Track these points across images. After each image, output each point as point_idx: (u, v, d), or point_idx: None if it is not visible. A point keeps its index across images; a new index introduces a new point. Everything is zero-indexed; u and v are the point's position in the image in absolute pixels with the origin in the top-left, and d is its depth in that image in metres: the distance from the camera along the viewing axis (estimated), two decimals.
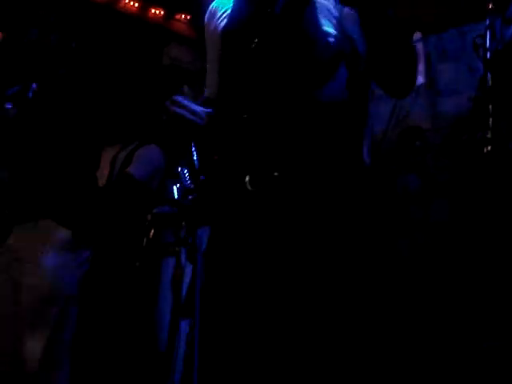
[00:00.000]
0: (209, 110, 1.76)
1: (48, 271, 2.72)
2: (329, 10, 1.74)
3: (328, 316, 1.60)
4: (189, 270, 2.73)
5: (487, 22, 2.77)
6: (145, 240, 3.00)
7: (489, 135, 2.36)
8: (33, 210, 2.78)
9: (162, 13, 4.89)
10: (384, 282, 1.67)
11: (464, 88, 3.87)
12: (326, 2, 1.75)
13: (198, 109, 1.74)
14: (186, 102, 1.70)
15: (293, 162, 1.65)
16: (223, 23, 1.84)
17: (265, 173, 1.66)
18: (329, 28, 1.71)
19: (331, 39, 1.69)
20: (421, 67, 4.02)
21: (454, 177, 2.71)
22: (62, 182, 2.82)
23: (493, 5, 2.74)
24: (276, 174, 1.65)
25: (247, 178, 1.67)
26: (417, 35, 4.01)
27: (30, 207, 2.79)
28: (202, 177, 2.51)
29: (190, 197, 2.70)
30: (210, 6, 1.91)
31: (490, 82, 2.51)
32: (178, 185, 2.89)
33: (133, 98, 3.43)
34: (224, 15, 1.85)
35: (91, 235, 2.89)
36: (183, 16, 4.96)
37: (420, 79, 4.09)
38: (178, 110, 1.70)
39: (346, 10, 1.71)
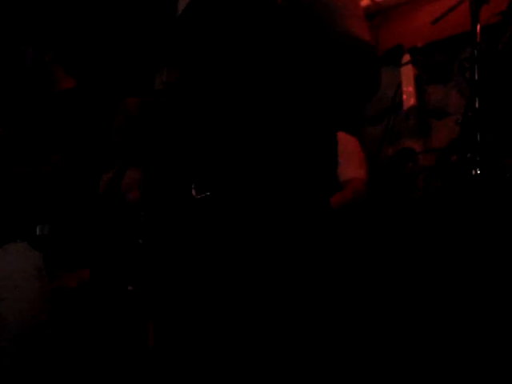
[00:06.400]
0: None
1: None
2: None
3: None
4: None
5: (475, 46, 2.80)
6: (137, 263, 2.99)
7: (477, 157, 2.38)
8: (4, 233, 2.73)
9: None
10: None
11: (453, 110, 3.90)
12: None
13: None
14: None
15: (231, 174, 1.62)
16: None
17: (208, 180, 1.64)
18: None
19: None
20: (411, 89, 4.05)
21: (444, 199, 2.72)
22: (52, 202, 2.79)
23: (480, 29, 2.77)
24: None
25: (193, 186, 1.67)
26: (405, 58, 4.05)
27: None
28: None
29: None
30: None
31: (477, 104, 2.53)
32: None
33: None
34: None
35: (84, 257, 2.86)
36: None
37: (411, 101, 4.12)
38: None
39: None
